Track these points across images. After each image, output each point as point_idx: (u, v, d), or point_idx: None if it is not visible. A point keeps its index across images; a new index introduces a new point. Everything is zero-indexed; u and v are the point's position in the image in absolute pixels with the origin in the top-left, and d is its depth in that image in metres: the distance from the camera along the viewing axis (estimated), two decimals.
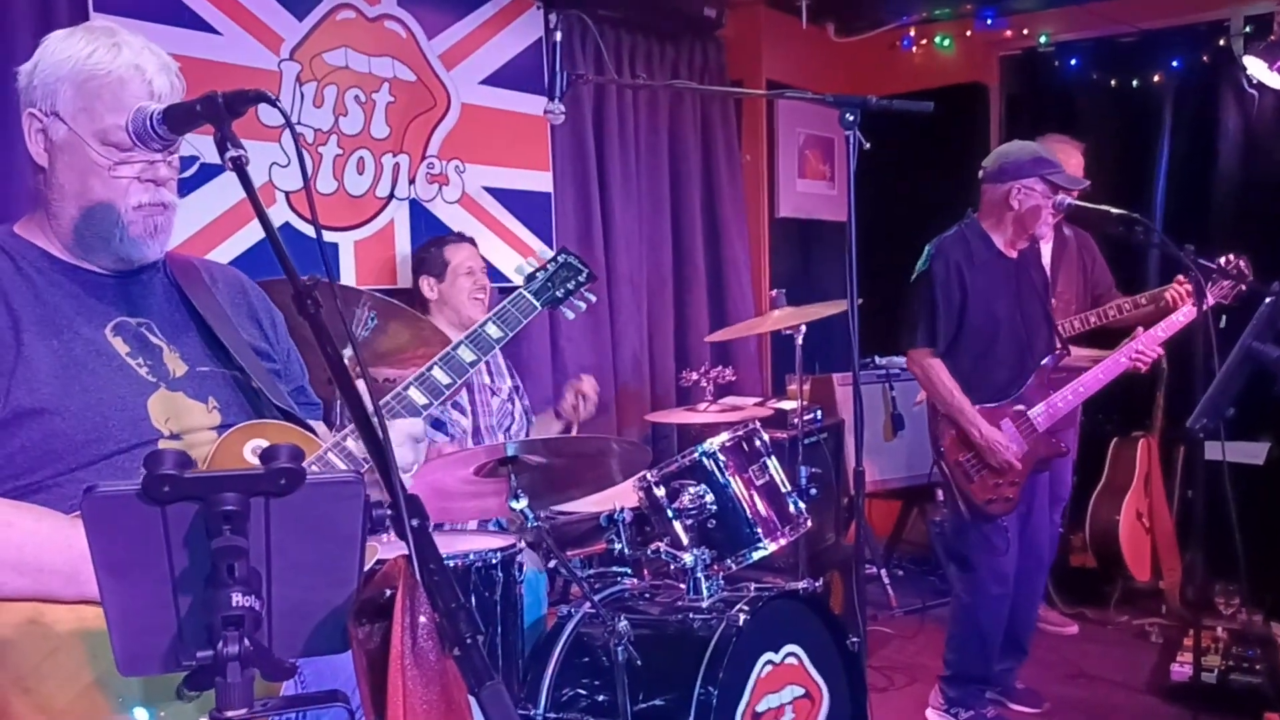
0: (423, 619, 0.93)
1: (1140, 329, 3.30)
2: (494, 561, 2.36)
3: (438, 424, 2.83)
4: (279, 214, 3.06)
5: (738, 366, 4.57)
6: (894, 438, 4.56)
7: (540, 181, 3.86)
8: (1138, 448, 4.13)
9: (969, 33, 4.88)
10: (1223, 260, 3.31)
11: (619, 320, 4.25)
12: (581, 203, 4.06)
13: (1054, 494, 3.67)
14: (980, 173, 3.18)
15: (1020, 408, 3.13)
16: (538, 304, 1.90)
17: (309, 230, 3.08)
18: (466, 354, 1.74)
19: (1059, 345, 3.24)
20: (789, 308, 3.72)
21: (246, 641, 0.91)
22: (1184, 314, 3.23)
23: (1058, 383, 3.17)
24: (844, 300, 2.39)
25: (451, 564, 2.32)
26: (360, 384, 1.48)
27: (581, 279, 2.00)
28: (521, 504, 2.35)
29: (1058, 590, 4.18)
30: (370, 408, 1.15)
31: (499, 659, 2.39)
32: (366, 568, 1.24)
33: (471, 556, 2.33)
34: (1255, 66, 4.20)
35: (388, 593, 0.97)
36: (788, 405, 3.81)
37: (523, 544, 2.51)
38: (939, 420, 3.16)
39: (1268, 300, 1.95)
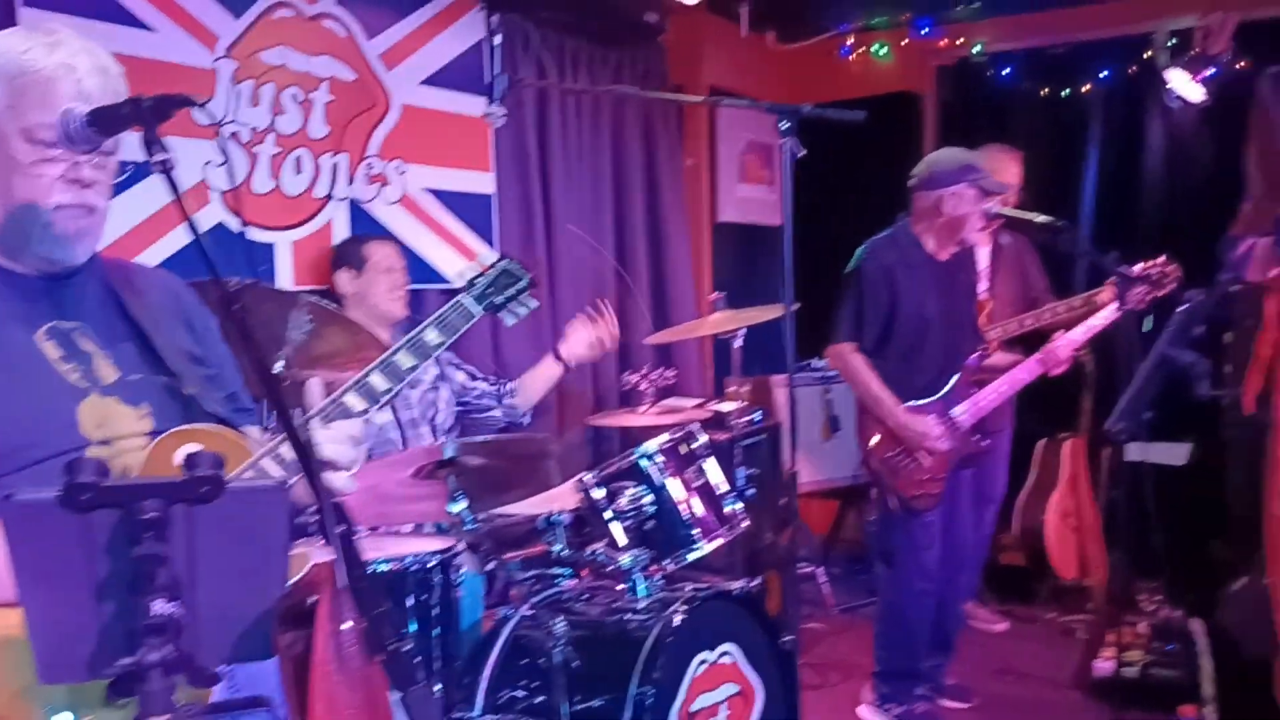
0: (347, 625, 0.94)
1: (1062, 331, 3.40)
2: (431, 565, 2.36)
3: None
4: (213, 213, 3.02)
5: (680, 369, 4.61)
6: (832, 438, 4.63)
7: (482, 183, 3.86)
8: (1064, 449, 4.25)
9: (905, 42, 4.97)
10: (1144, 265, 3.40)
11: (561, 322, 4.25)
12: (524, 205, 4.06)
13: (985, 493, 3.76)
14: (911, 180, 3.24)
15: (944, 405, 3.20)
16: (478, 310, 1.90)
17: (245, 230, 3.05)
18: (405, 359, 1.73)
19: (983, 346, 3.33)
20: (728, 311, 3.76)
21: (170, 648, 0.91)
22: (1101, 318, 3.32)
23: (982, 384, 3.25)
24: (782, 305, 2.43)
25: (388, 567, 2.33)
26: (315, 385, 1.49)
27: (522, 285, 2.00)
28: (460, 506, 2.36)
29: (988, 588, 4.28)
30: (299, 413, 1.16)
31: (436, 661, 2.39)
32: (299, 576, 1.25)
33: (409, 560, 2.34)
34: (1177, 79, 4.35)
35: (310, 600, 0.97)
36: (727, 407, 3.85)
37: (461, 546, 2.52)
38: (867, 418, 3.23)
39: (1180, 309, 2.03)
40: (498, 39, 2.72)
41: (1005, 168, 3.73)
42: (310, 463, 1.03)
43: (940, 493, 3.19)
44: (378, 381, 1.68)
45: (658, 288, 4.69)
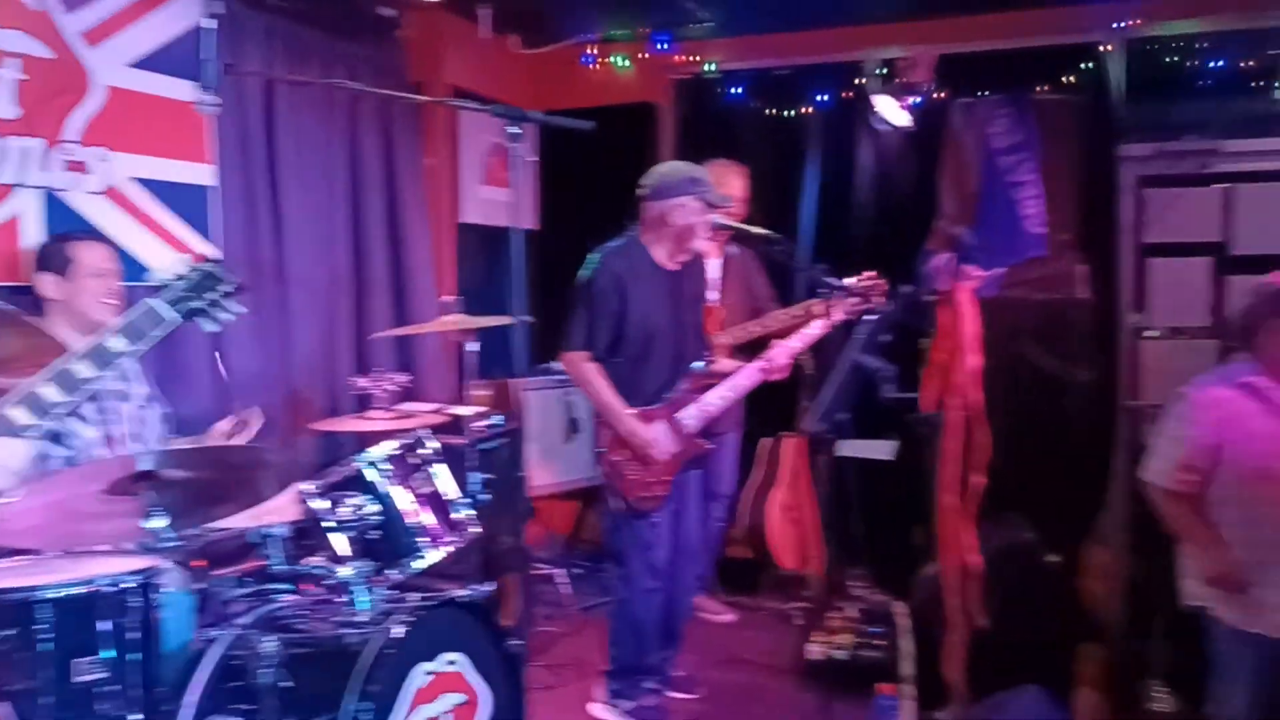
0: None
1: (779, 341, 3.61)
2: (127, 585, 2.19)
3: (55, 437, 2.57)
4: None
5: (421, 372, 4.53)
6: (572, 440, 4.70)
7: (199, 174, 3.63)
8: (785, 447, 4.52)
9: (643, 55, 5.12)
10: (855, 279, 3.66)
11: (292, 323, 4.08)
12: (248, 199, 3.85)
13: (712, 491, 3.94)
14: (641, 190, 3.34)
15: (671, 410, 3.33)
16: (171, 315, 1.79)
17: None
18: (83, 369, 1.61)
19: (708, 354, 3.48)
20: (461, 315, 3.73)
21: None
22: (817, 326, 3.54)
23: (708, 389, 3.40)
24: (516, 313, 2.43)
25: (75, 590, 2.14)
26: None
27: (225, 289, 1.90)
28: (157, 523, 2.20)
29: (718, 581, 4.49)
30: None
31: (132, 689, 2.22)
32: None
33: (99, 580, 2.16)
34: (884, 105, 4.72)
35: None
36: (465, 411, 3.82)
37: (168, 564, 2.35)
38: (599, 423, 3.31)
39: (868, 317, 2.21)
40: (209, 23, 2.55)
41: (729, 181, 3.92)
42: None
43: (665, 495, 3.30)
44: (50, 393, 1.55)
45: (397, 288, 4.58)
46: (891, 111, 4.71)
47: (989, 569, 3.02)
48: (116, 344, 1.66)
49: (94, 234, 2.97)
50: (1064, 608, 3.45)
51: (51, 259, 2.81)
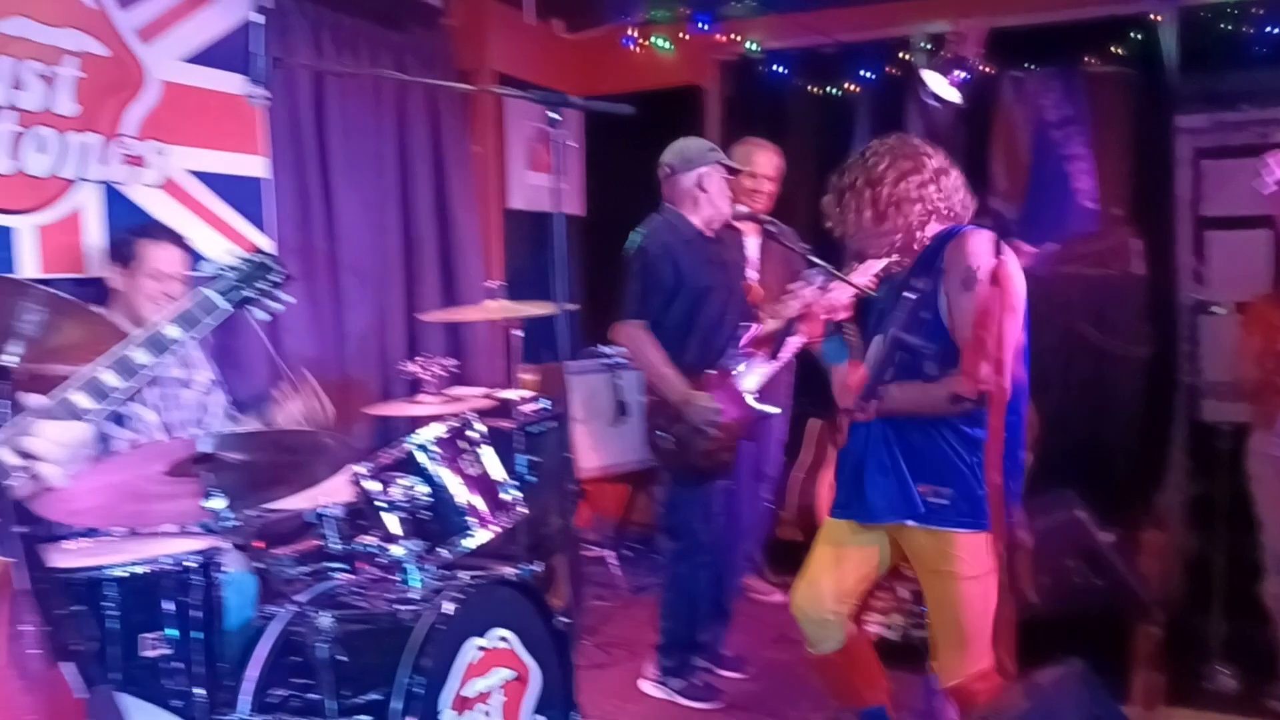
0: (26, 627, 0.91)
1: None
2: (189, 565, 2.27)
3: (119, 420, 2.66)
4: None
5: (471, 357, 4.59)
6: (621, 423, 4.73)
7: (252, 166, 3.71)
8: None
9: (684, 36, 5.11)
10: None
11: (344, 310, 4.16)
12: (300, 189, 3.93)
13: (761, 471, 3.95)
14: (665, 169, 3.43)
15: (727, 376, 3.35)
16: (223, 304, 1.84)
17: None
18: (140, 355, 1.66)
19: (755, 317, 3.50)
20: (504, 301, 3.77)
21: None
22: (856, 279, 3.52)
23: (761, 351, 3.41)
24: (561, 298, 2.47)
25: (141, 570, 2.22)
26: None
27: (275, 279, 1.95)
28: (217, 503, 2.27)
29: (767, 562, 4.49)
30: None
31: (196, 665, 2.30)
32: None
33: (163, 560, 2.24)
34: (933, 80, 4.66)
35: None
36: (513, 395, 3.87)
37: (227, 545, 2.43)
38: (652, 397, 3.34)
39: (908, 295, 2.20)
40: (258, 17, 2.61)
41: (757, 158, 3.92)
42: None
43: (733, 461, 3.34)
44: (109, 379, 1.60)
45: (446, 274, 4.64)
46: (940, 87, 4.64)
47: (1039, 546, 2.99)
48: (172, 331, 1.71)
49: (170, 234, 2.99)
50: (1118, 586, 3.41)
51: (119, 251, 2.90)
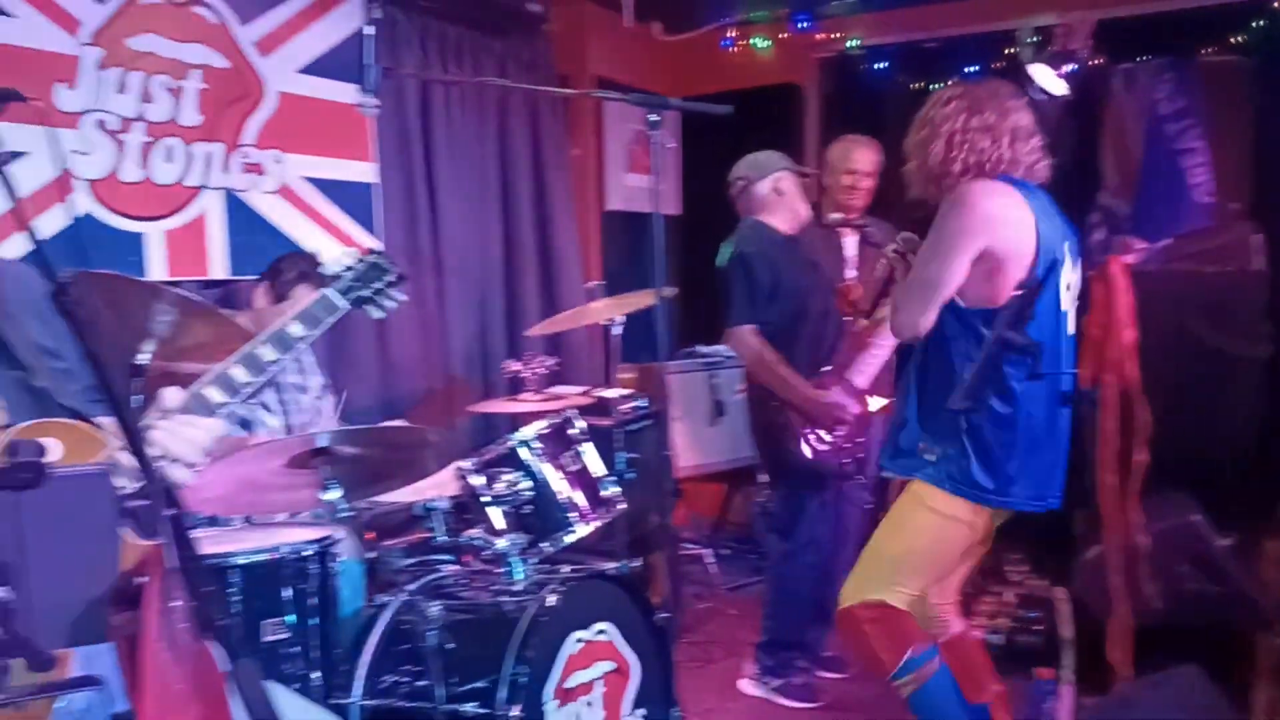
0: (175, 604, 0.97)
1: None
2: (307, 554, 2.37)
3: (245, 424, 2.80)
4: (80, 203, 2.96)
5: (570, 356, 4.67)
6: (718, 423, 4.74)
7: (363, 172, 3.84)
8: None
9: (783, 35, 5.09)
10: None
11: (448, 312, 4.28)
12: (407, 194, 4.06)
13: (864, 472, 3.91)
14: (739, 183, 3.46)
15: (840, 374, 3.34)
16: (342, 303, 1.92)
17: (112, 220, 2.99)
18: (267, 352, 1.74)
19: (856, 314, 3.48)
20: (607, 299, 3.82)
21: (2, 632, 0.93)
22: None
23: (867, 345, 3.39)
24: (660, 296, 2.50)
25: (263, 557, 2.33)
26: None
27: (390, 278, 2.02)
28: (333, 495, 2.37)
29: None
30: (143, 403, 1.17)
31: (315, 650, 2.40)
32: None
33: (283, 549, 2.34)
34: (1041, 73, 4.55)
35: (136, 581, 1.00)
36: (611, 394, 3.92)
37: (341, 535, 2.53)
38: (752, 399, 3.34)
39: (1014, 293, 2.17)
40: (369, 29, 2.72)
41: (855, 155, 3.87)
42: (140, 448, 1.06)
43: (864, 456, 3.37)
44: (239, 374, 1.69)
45: (546, 276, 4.73)
46: (1048, 80, 4.54)
47: (1155, 550, 2.90)
48: (295, 329, 1.79)
49: (321, 277, 3.07)
50: (1235, 594, 3.28)
51: (277, 278, 2.92)
